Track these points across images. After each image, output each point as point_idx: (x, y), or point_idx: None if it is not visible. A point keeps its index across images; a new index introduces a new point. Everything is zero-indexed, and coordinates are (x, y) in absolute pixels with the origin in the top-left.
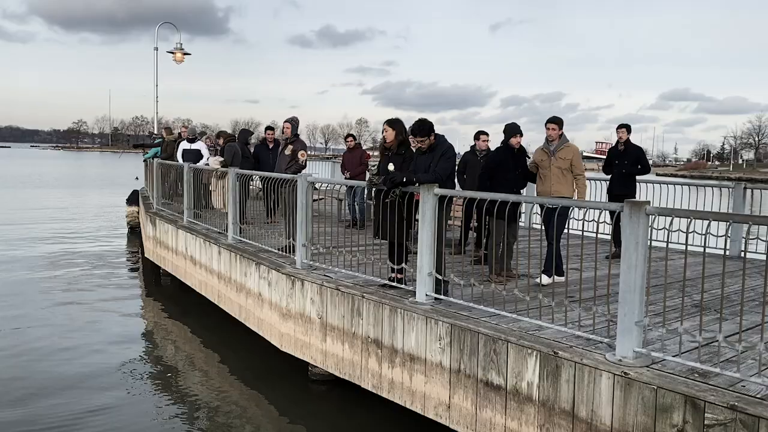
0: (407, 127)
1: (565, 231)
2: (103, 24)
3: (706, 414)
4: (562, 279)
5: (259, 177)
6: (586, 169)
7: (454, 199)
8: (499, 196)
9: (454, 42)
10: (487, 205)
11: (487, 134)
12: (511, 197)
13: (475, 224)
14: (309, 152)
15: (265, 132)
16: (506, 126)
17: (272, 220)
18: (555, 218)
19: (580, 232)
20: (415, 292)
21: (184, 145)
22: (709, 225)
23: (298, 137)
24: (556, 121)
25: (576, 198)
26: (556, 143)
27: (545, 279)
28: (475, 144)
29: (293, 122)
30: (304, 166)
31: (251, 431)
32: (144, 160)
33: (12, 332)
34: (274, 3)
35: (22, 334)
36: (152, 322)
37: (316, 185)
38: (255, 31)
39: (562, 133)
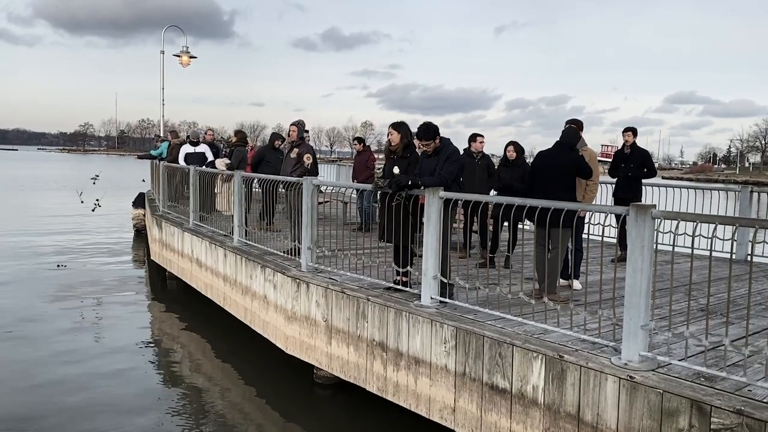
0: (412, 130)
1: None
2: (108, 27)
3: (712, 418)
4: (576, 282)
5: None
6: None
7: (459, 202)
8: (505, 199)
9: (459, 45)
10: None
11: (483, 136)
12: (517, 200)
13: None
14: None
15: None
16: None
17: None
18: (574, 223)
19: (586, 236)
20: (420, 295)
21: (187, 148)
22: (715, 228)
23: (304, 140)
24: (577, 123)
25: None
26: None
27: (576, 284)
28: (470, 146)
29: (299, 125)
30: (309, 169)
31: None
32: (141, 157)
33: (17, 333)
34: (279, 6)
35: (26, 335)
36: (157, 324)
37: (321, 188)
38: (260, 35)
39: (581, 137)
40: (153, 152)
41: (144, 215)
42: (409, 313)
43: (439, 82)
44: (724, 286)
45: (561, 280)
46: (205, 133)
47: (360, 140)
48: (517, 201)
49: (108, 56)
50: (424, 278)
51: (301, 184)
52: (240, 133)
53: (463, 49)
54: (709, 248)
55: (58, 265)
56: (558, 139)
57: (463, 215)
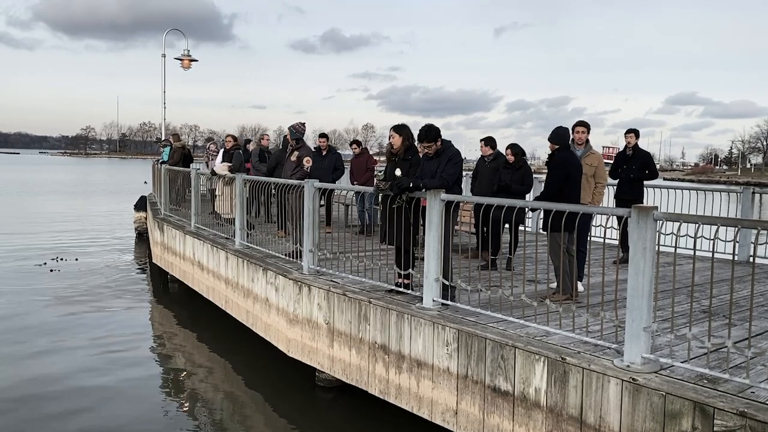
0: (414, 132)
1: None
2: (107, 30)
3: (715, 420)
4: (579, 284)
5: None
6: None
7: (461, 204)
8: (508, 202)
9: (459, 46)
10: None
11: (485, 140)
12: (519, 202)
13: (483, 229)
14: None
15: (318, 140)
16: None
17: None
18: (578, 224)
19: (588, 238)
20: (422, 297)
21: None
22: (717, 230)
23: (305, 143)
24: (586, 125)
25: (591, 203)
26: (583, 149)
27: (579, 286)
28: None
29: (300, 128)
30: (309, 172)
31: None
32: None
33: (18, 336)
34: (278, 9)
35: (28, 338)
36: (159, 327)
37: None
38: (259, 37)
39: (588, 139)
40: (165, 157)
41: (145, 218)
42: (411, 316)
43: (439, 84)
44: (727, 288)
45: (579, 284)
46: (224, 140)
47: (358, 143)
48: (520, 203)
49: (109, 59)
50: (425, 280)
51: (302, 187)
52: (234, 138)
53: (464, 50)
54: (711, 250)
55: (51, 270)
56: (563, 142)
57: (468, 217)
